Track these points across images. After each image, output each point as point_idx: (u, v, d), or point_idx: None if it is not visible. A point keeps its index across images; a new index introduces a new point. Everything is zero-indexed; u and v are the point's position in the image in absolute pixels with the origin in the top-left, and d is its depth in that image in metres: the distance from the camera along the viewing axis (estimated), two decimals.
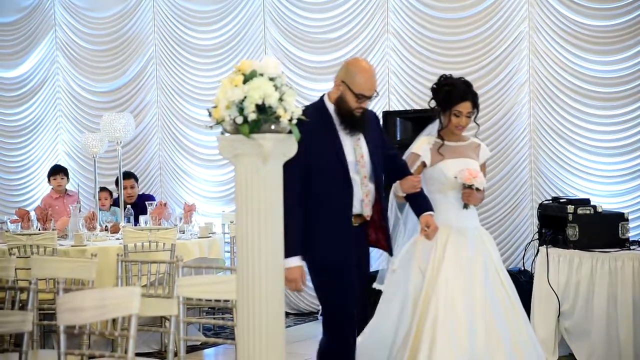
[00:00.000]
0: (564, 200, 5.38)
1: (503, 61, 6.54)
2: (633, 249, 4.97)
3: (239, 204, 2.86)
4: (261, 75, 2.83)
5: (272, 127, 2.81)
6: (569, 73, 6.30)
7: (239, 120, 2.77)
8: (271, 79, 2.82)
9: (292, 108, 2.87)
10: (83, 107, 8.59)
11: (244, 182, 2.85)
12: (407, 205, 3.67)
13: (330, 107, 3.35)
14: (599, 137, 6.25)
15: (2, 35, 9.13)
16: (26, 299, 3.30)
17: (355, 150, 3.37)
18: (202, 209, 7.17)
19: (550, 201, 5.61)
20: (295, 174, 3.21)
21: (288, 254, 3.12)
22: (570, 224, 4.97)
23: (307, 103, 5.33)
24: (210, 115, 2.87)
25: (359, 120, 3.33)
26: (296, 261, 3.29)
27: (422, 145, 3.71)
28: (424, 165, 3.72)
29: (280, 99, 2.80)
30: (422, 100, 6.65)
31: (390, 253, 3.58)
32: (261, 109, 2.76)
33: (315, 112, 3.32)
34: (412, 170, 3.59)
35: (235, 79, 2.82)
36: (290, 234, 3.13)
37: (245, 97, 2.76)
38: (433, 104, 3.80)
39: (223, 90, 2.81)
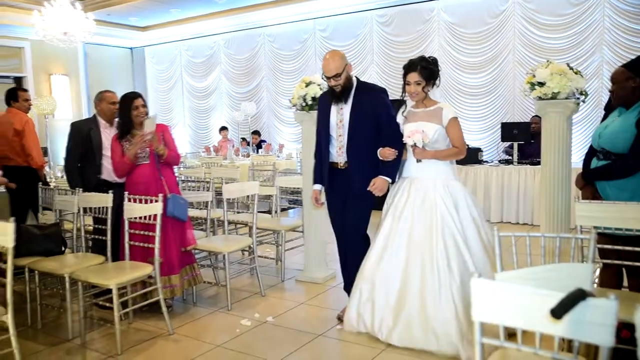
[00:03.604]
0: None
1: None
2: None
3: (303, 144, 4.70)
4: (313, 83, 4.40)
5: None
6: None
7: (303, 104, 4.41)
8: (318, 85, 4.38)
9: None
10: (234, 100, 12.03)
11: (305, 133, 4.58)
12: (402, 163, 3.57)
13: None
14: None
15: None
16: (208, 186, 5.07)
17: (337, 116, 3.56)
18: (287, 146, 10.44)
19: None
20: (316, 132, 3.78)
21: (313, 182, 3.83)
22: None
23: None
24: (290, 101, 4.59)
25: (338, 94, 3.51)
26: (315, 186, 3.77)
27: (399, 114, 3.57)
28: None
29: None
30: None
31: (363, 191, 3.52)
32: (313, 99, 4.32)
33: (329, 91, 3.64)
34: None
35: (301, 85, 4.46)
36: (314, 169, 3.83)
37: (306, 93, 4.38)
38: None
39: (296, 90, 4.48)
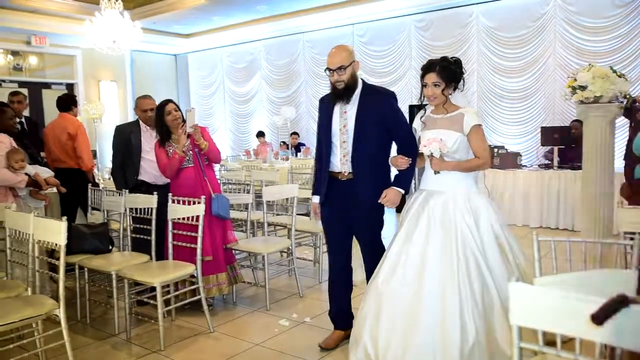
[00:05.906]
0: None
1: None
2: None
3: None
4: None
5: None
6: None
7: None
8: None
9: None
10: (274, 104, 12.06)
11: None
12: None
13: None
14: None
15: None
16: (249, 190, 4.91)
17: (340, 121, 3.18)
18: None
19: None
20: (317, 140, 3.41)
21: (312, 192, 3.47)
22: None
23: None
24: None
25: (339, 93, 3.14)
26: (314, 199, 3.40)
27: (416, 119, 3.23)
28: None
29: None
30: None
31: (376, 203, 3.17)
32: None
33: (330, 93, 3.26)
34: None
35: None
36: (314, 179, 3.47)
37: None
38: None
39: None
